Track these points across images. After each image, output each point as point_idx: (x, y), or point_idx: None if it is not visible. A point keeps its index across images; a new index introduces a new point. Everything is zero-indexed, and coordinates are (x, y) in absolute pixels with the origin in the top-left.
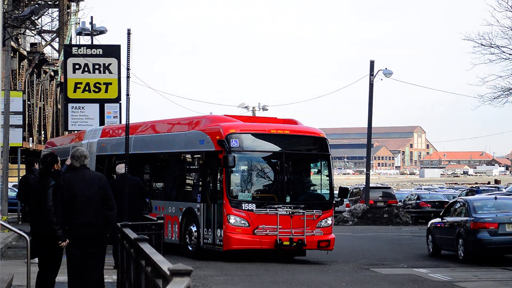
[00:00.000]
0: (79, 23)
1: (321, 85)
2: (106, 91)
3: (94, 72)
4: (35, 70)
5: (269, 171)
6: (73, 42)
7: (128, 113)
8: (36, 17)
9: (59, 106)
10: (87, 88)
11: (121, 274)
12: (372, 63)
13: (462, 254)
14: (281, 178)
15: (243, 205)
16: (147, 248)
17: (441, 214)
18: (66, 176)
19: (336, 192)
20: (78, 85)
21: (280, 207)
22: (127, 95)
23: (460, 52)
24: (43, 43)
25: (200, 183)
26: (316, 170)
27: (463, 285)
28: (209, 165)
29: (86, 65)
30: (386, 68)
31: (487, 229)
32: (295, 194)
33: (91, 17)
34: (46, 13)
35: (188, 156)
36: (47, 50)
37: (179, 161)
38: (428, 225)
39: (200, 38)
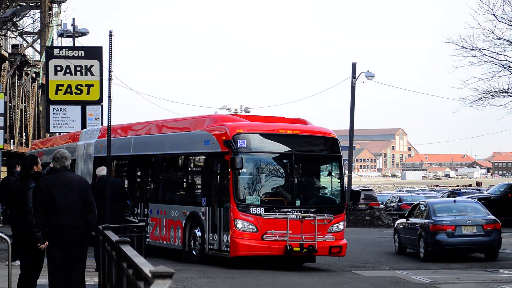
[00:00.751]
0: (60, 25)
1: (303, 88)
2: (88, 93)
3: (75, 74)
4: (16, 71)
5: (278, 173)
6: (55, 44)
7: (110, 115)
8: (17, 19)
9: (41, 108)
10: (68, 90)
11: (103, 276)
12: (354, 66)
13: (423, 254)
14: (291, 181)
15: (251, 209)
16: (128, 250)
17: (406, 215)
18: (47, 178)
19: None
20: (60, 87)
21: (290, 211)
22: (109, 97)
23: (442, 55)
24: (25, 44)
25: (205, 186)
26: (327, 172)
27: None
28: (214, 167)
29: (68, 67)
30: (368, 71)
31: (445, 231)
32: (306, 197)
33: (73, 18)
34: (27, 14)
35: (192, 157)
36: (29, 52)
37: (182, 163)
38: (395, 225)
39: (182, 40)
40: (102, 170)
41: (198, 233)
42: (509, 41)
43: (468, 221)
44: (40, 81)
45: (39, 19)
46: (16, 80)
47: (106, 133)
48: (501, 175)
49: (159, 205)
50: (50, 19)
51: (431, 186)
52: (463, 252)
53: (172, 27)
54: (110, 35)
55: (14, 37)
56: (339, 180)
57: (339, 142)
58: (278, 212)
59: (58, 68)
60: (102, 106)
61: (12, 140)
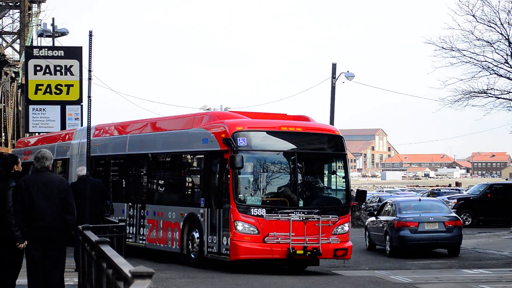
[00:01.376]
0: (40, 25)
1: (285, 88)
2: (67, 93)
3: (55, 74)
4: None
5: (280, 172)
6: (35, 44)
7: (90, 115)
8: None
9: (20, 108)
10: (48, 90)
11: (82, 276)
12: (334, 66)
13: (389, 249)
14: (294, 180)
15: (252, 210)
16: (108, 250)
17: (375, 213)
18: (27, 178)
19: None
20: (39, 87)
21: (293, 212)
22: (89, 97)
23: (422, 55)
24: (4, 44)
25: (204, 186)
26: (331, 171)
27: (423, 287)
28: (213, 166)
29: (47, 66)
30: (348, 71)
31: (408, 227)
32: (309, 197)
33: (53, 18)
34: (7, 14)
35: (190, 156)
36: (8, 52)
37: (179, 162)
38: (366, 223)
39: (164, 41)
40: (82, 170)
41: (196, 236)
42: (488, 42)
43: (430, 218)
44: (20, 81)
45: (18, 19)
46: None
47: (100, 131)
48: (481, 175)
49: (156, 206)
50: (30, 19)
51: (411, 186)
52: (426, 248)
53: (154, 27)
54: (90, 35)
55: None
56: (344, 180)
57: (343, 139)
58: (280, 213)
59: (38, 68)
60: (81, 106)
61: None
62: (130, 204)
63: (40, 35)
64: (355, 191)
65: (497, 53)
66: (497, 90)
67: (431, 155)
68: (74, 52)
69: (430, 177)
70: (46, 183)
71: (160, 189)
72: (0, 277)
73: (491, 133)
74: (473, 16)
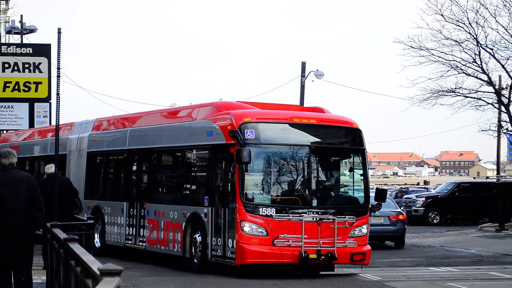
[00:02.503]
0: (8, 22)
1: (253, 87)
2: (36, 90)
3: (24, 71)
4: None
5: (291, 168)
6: (3, 41)
7: (58, 113)
8: None
9: None
10: (16, 87)
11: (51, 274)
12: (303, 64)
13: None
14: (307, 177)
15: (260, 209)
16: (77, 248)
17: None
18: None
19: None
20: (8, 84)
21: (306, 212)
22: (57, 94)
23: (392, 54)
24: None
25: (208, 183)
26: (348, 167)
27: (392, 285)
28: (218, 161)
29: (15, 64)
30: (317, 70)
31: None
32: (324, 196)
33: (21, 15)
34: None
35: (193, 150)
36: None
37: (182, 157)
38: None
39: (133, 38)
40: (51, 168)
41: (199, 238)
42: (456, 41)
43: (376, 213)
44: None
45: None
46: None
47: (100, 125)
48: (449, 173)
49: (156, 205)
50: None
51: (379, 184)
52: (373, 240)
53: (123, 25)
54: (59, 32)
55: None
56: (362, 177)
57: (362, 133)
58: (291, 213)
59: (6, 65)
60: (50, 103)
61: None
62: (129, 203)
63: (8, 32)
64: (374, 189)
65: (465, 52)
66: (465, 89)
67: (400, 154)
68: (42, 50)
69: (399, 176)
70: (14, 181)
71: (161, 186)
72: None
73: (459, 132)
74: (442, 15)
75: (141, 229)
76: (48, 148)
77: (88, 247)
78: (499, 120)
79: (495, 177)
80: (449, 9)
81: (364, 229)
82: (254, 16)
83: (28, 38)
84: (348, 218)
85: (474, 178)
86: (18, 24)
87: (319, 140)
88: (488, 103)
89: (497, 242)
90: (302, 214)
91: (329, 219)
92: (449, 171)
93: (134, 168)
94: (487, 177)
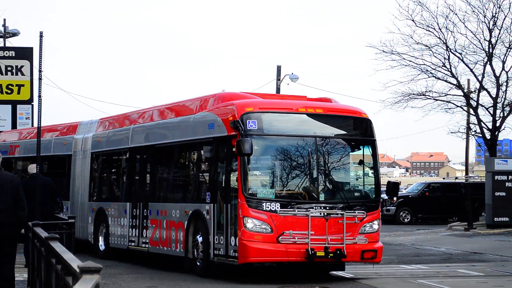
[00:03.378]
0: None
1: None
2: (18, 92)
3: (6, 74)
4: None
5: (297, 161)
6: None
7: (40, 115)
8: None
9: None
10: (0, 90)
11: (32, 272)
12: (279, 68)
13: None
14: (314, 170)
15: (264, 204)
16: (57, 246)
17: None
18: None
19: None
20: None
21: (313, 207)
22: (39, 96)
23: (365, 58)
24: None
25: (210, 178)
26: (358, 159)
27: (364, 282)
28: (220, 155)
29: None
30: (292, 73)
31: None
32: (332, 190)
33: (4, 19)
34: None
35: (195, 145)
36: None
37: (184, 153)
38: None
39: (115, 42)
40: (33, 168)
41: (199, 237)
42: (427, 46)
43: None
44: None
45: None
46: None
47: (103, 125)
48: (419, 174)
49: (159, 204)
50: None
51: None
52: None
53: (104, 28)
54: (41, 36)
55: None
56: (372, 170)
57: (372, 123)
58: (297, 209)
59: None
60: (32, 105)
61: None
62: (132, 203)
63: None
64: (386, 183)
65: (435, 56)
66: (435, 92)
67: None
68: (25, 53)
69: None
70: None
71: (163, 184)
72: None
73: (430, 134)
74: (413, 20)
75: (144, 230)
76: (51, 147)
77: (68, 245)
78: (468, 123)
79: (464, 178)
80: (420, 14)
81: (376, 225)
82: (248, 16)
83: (11, 42)
84: (358, 213)
85: (443, 178)
86: (1, 28)
87: (327, 131)
88: (457, 106)
89: (466, 240)
90: (308, 209)
91: (337, 214)
92: (419, 172)
93: (137, 167)
94: (456, 178)
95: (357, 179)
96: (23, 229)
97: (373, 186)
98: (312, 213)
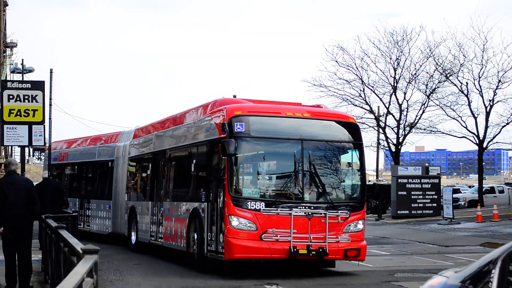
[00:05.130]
0: (12, 64)
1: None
2: (33, 115)
3: (24, 101)
4: None
5: (283, 162)
6: (8, 79)
7: (50, 132)
8: None
9: None
10: (19, 113)
11: (45, 253)
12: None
13: None
14: (298, 171)
15: (249, 203)
16: (65, 233)
17: None
18: (1, 179)
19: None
20: (12, 111)
21: (296, 207)
22: (50, 119)
23: (300, 90)
24: None
25: (205, 178)
26: (343, 161)
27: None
28: (214, 157)
29: (18, 96)
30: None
31: None
32: (316, 191)
33: (22, 59)
34: None
35: (195, 148)
36: None
37: (187, 156)
38: None
39: (105, 69)
40: (45, 173)
41: (194, 234)
42: (347, 81)
43: None
44: None
45: None
46: None
47: (137, 134)
48: None
49: (170, 203)
50: (4, 60)
51: None
52: None
53: (101, 59)
54: (51, 72)
55: None
56: (358, 171)
57: (359, 127)
58: (280, 208)
59: (11, 97)
60: (44, 125)
61: None
62: (152, 202)
63: (13, 71)
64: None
65: (354, 89)
66: (354, 116)
67: None
68: (38, 85)
69: None
70: (15, 183)
71: (174, 185)
72: None
73: None
74: (336, 61)
75: (160, 226)
76: (96, 154)
77: (73, 233)
78: (378, 139)
79: (375, 181)
80: (341, 57)
81: (360, 225)
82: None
83: (28, 76)
84: (341, 213)
85: None
86: (20, 66)
87: (313, 134)
88: (370, 126)
89: (376, 228)
90: (292, 209)
91: (320, 214)
92: None
93: (155, 169)
94: (369, 181)
95: (342, 181)
96: (36, 220)
97: (358, 187)
98: (295, 212)
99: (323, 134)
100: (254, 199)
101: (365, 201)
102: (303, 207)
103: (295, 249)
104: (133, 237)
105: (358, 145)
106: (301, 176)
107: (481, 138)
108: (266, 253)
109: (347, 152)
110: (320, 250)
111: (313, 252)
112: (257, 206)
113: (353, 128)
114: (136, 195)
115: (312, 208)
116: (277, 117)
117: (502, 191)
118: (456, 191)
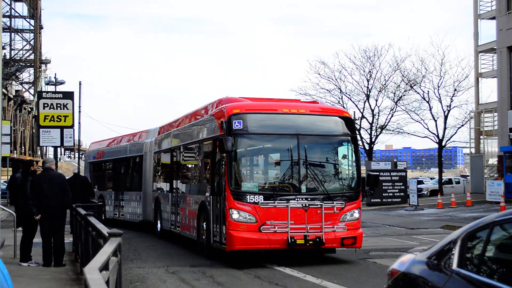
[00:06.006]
0: (47, 77)
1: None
2: (64, 121)
3: (57, 109)
4: (18, 107)
5: (280, 156)
6: (43, 90)
7: (79, 135)
8: (19, 73)
9: (34, 130)
10: (52, 119)
11: (75, 237)
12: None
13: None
14: (295, 165)
15: (248, 197)
16: (92, 220)
17: None
18: (38, 175)
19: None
20: (47, 117)
21: (294, 199)
22: (79, 123)
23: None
24: (24, 90)
25: (210, 173)
26: (338, 155)
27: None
28: (217, 153)
29: (51, 104)
30: None
31: None
32: (312, 183)
33: (55, 73)
34: (25, 70)
35: (201, 145)
36: (26, 95)
37: (196, 152)
38: None
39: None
40: (75, 169)
41: (204, 224)
42: (328, 90)
43: None
44: (33, 113)
45: (33, 74)
46: (18, 113)
47: (161, 131)
48: None
49: (185, 195)
50: (40, 74)
51: None
52: None
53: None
54: (80, 84)
55: (17, 85)
56: (353, 163)
57: (353, 121)
58: (278, 200)
59: (46, 105)
60: (74, 129)
61: (15, 151)
62: (172, 194)
63: (47, 84)
64: (373, 174)
65: (333, 97)
66: None
67: None
68: (69, 95)
69: None
70: (50, 178)
71: (187, 178)
72: (23, 238)
73: None
74: (319, 74)
75: (177, 216)
76: (127, 150)
77: (99, 219)
78: None
79: None
80: (323, 70)
81: (356, 214)
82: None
83: (60, 88)
84: (337, 203)
85: None
86: (53, 79)
87: (308, 128)
88: None
89: None
90: (289, 201)
91: (316, 205)
92: None
93: (173, 163)
94: None
95: (337, 172)
96: (68, 209)
97: (353, 178)
98: (292, 204)
99: (318, 129)
100: (253, 192)
101: (361, 191)
102: (300, 199)
103: (292, 240)
104: (159, 225)
105: (352, 137)
106: (298, 169)
107: (440, 138)
108: (265, 244)
109: (342, 145)
110: (317, 239)
111: (310, 242)
112: (256, 199)
113: (347, 121)
114: (160, 187)
115: (308, 199)
116: (274, 114)
117: (458, 182)
118: (420, 182)
